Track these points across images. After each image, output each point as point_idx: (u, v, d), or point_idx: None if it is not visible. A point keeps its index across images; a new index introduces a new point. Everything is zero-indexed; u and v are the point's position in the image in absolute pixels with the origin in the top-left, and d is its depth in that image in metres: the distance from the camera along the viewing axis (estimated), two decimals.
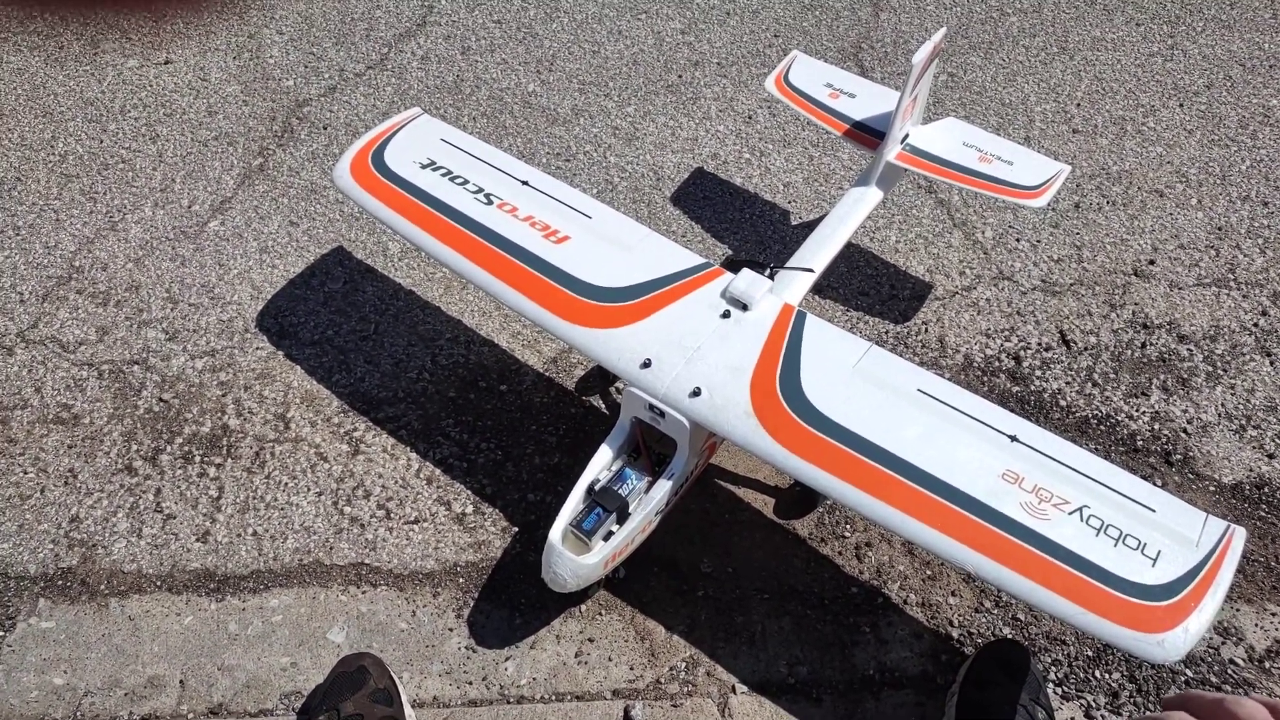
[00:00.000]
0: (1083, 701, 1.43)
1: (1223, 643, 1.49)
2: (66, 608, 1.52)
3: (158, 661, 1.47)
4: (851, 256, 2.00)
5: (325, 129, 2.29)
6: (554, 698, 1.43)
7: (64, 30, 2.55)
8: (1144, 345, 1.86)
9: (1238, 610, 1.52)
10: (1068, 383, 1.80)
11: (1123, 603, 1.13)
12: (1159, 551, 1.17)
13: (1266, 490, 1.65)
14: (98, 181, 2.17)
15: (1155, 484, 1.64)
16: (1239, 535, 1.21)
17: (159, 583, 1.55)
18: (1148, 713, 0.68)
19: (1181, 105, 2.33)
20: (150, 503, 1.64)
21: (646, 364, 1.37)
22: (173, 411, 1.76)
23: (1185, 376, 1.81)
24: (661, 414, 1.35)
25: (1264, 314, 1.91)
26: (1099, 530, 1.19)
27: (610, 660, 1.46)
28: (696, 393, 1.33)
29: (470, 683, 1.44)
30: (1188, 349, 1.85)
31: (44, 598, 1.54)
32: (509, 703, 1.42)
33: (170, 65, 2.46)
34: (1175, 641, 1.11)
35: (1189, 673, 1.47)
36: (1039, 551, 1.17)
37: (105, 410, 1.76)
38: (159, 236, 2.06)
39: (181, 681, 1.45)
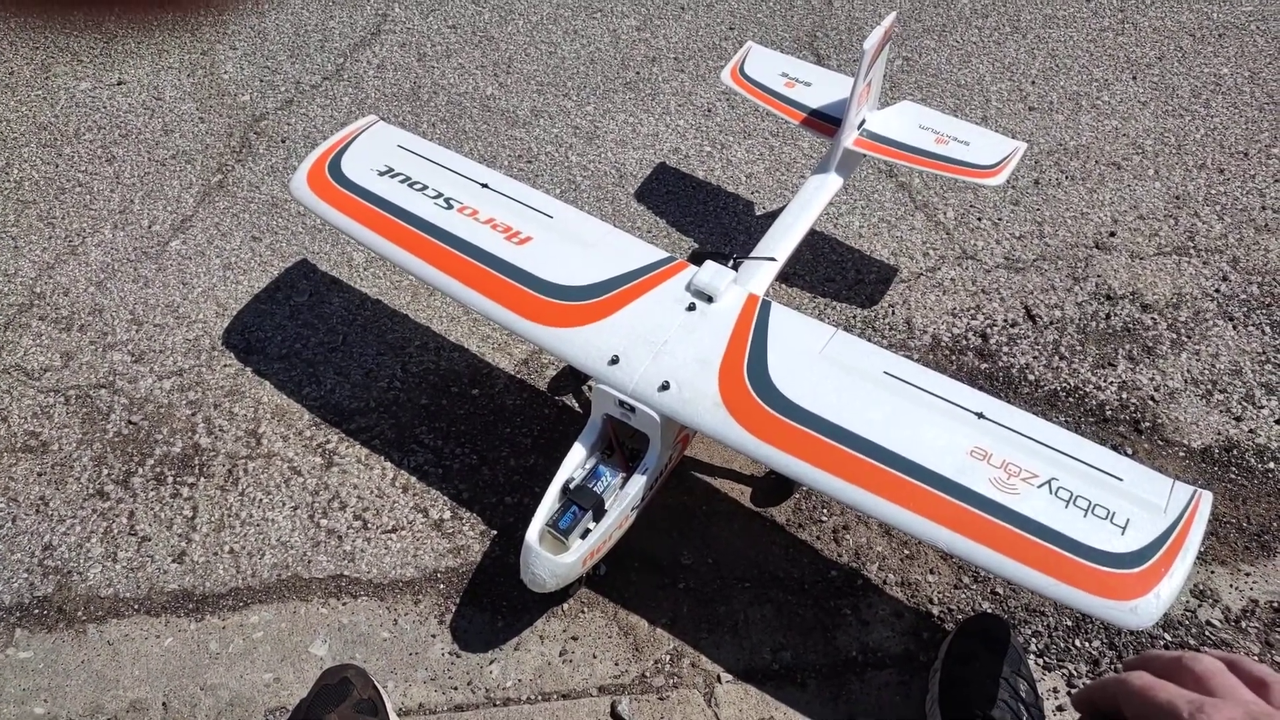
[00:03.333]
0: (1064, 671, 1.45)
1: (1199, 605, 1.51)
2: (44, 636, 1.51)
3: (139, 685, 1.45)
4: (816, 243, 2.01)
5: (284, 142, 2.27)
6: (540, 698, 1.43)
7: (13, 56, 2.52)
8: (1108, 316, 1.88)
9: (1212, 572, 1.54)
10: (1035, 357, 1.82)
11: (1094, 572, 1.15)
12: (1128, 519, 1.19)
13: (1235, 453, 1.68)
14: (55, 206, 2.15)
15: (1125, 453, 1.66)
16: (1206, 499, 1.22)
17: (137, 606, 1.54)
18: (1109, 674, 0.68)
19: (1134, 78, 2.35)
20: (124, 526, 1.63)
21: (614, 360, 1.37)
22: (142, 433, 1.75)
23: (1150, 345, 1.83)
24: (632, 409, 1.35)
25: (1224, 279, 1.93)
26: (1068, 501, 1.20)
27: (595, 657, 1.47)
28: (665, 386, 1.34)
29: (455, 688, 1.44)
30: (1151, 318, 1.87)
31: (20, 628, 1.52)
32: (495, 705, 1.42)
33: (123, 86, 2.43)
34: (1148, 607, 1.12)
35: (1167, 637, 1.49)
36: (1010, 525, 1.19)
37: (74, 436, 1.75)
38: (120, 258, 2.04)
39: (164, 704, 1.44)
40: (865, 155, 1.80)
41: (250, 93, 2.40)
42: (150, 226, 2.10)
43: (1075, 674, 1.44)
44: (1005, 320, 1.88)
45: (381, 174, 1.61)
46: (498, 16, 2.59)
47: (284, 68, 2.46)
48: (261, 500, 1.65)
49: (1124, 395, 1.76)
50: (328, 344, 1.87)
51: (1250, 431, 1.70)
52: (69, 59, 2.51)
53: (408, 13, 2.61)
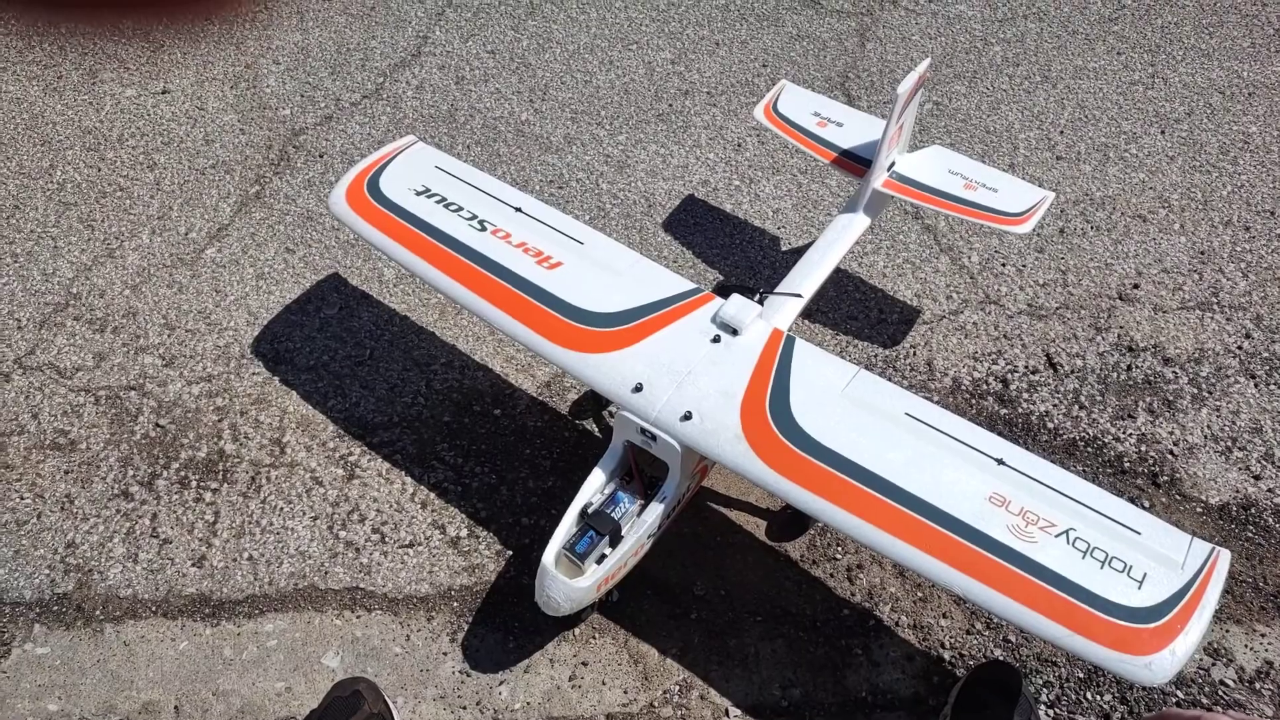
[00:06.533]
0: None
1: (1213, 664, 1.50)
2: (62, 633, 1.53)
3: (152, 687, 1.47)
4: (840, 281, 2.03)
5: (321, 157, 2.32)
6: None
7: (63, 60, 2.58)
8: (1129, 368, 1.88)
9: (1227, 631, 1.53)
10: (1055, 405, 1.82)
11: (1110, 625, 1.15)
12: (1145, 574, 1.19)
13: (1253, 511, 1.67)
14: (95, 209, 2.20)
15: (1142, 505, 1.66)
16: (1224, 558, 1.22)
17: (154, 608, 1.55)
18: None
19: (1163, 132, 2.37)
20: (146, 528, 1.65)
21: (638, 388, 1.39)
22: (169, 437, 1.77)
23: (1171, 399, 1.83)
24: (653, 438, 1.37)
25: (1247, 337, 1.93)
26: (1085, 553, 1.20)
27: (604, 684, 1.47)
28: (687, 416, 1.35)
29: (464, 707, 1.45)
30: (1173, 371, 1.88)
31: (39, 623, 1.54)
32: None
33: (168, 95, 2.49)
34: (1163, 664, 1.12)
35: (1180, 693, 1.48)
36: (1026, 574, 1.19)
37: (102, 436, 1.77)
38: (156, 263, 2.08)
39: (176, 707, 1.45)
40: (894, 197, 1.82)
41: (291, 107, 2.45)
42: (187, 234, 2.14)
43: None
44: (1026, 367, 1.88)
45: (419, 194, 1.64)
46: (536, 44, 2.64)
47: (325, 84, 2.51)
48: (282, 509, 1.67)
49: (1143, 448, 1.76)
50: (355, 357, 1.90)
51: (1269, 491, 1.70)
52: (116, 66, 2.57)
53: (448, 36, 2.66)
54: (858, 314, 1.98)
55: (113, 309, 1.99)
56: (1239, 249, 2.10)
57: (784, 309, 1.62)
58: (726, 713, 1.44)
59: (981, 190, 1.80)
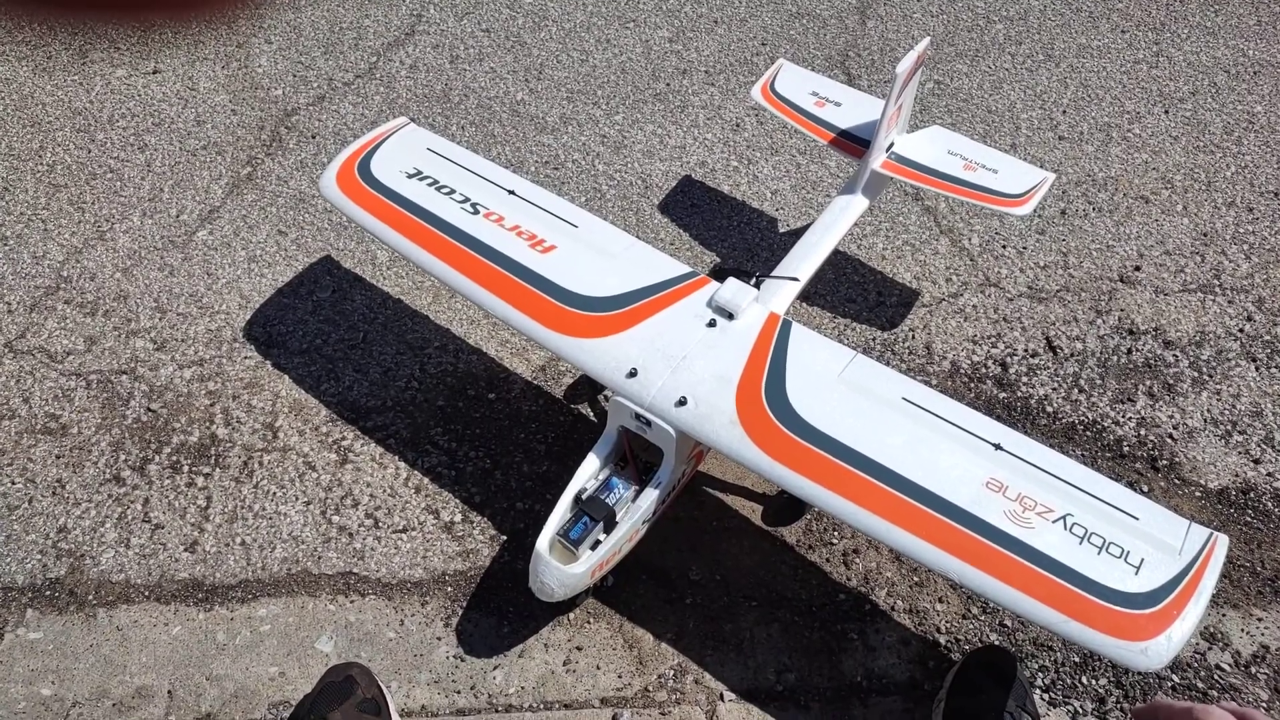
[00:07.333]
0: (1070, 707, 1.44)
1: (1209, 648, 1.50)
2: (54, 618, 1.52)
3: (146, 672, 1.46)
4: (839, 263, 2.01)
5: (314, 138, 2.29)
6: (542, 706, 1.43)
7: (52, 40, 2.55)
8: (1130, 351, 1.87)
9: (1224, 615, 1.53)
10: (1054, 389, 1.81)
11: (1106, 610, 1.14)
12: (1142, 559, 1.18)
13: (1252, 495, 1.66)
14: (86, 191, 2.17)
15: (1141, 490, 1.65)
16: (1221, 543, 1.21)
17: (147, 593, 1.55)
18: None
19: (1167, 112, 2.34)
20: (138, 513, 1.64)
21: (633, 373, 1.37)
22: (161, 421, 1.76)
23: (1171, 382, 1.82)
24: (648, 423, 1.35)
25: (1249, 319, 1.92)
26: (1082, 538, 1.20)
27: (598, 668, 1.47)
28: (682, 402, 1.34)
29: (459, 692, 1.44)
30: (1173, 355, 1.86)
31: (32, 608, 1.53)
32: (497, 711, 1.42)
33: (159, 75, 2.46)
34: (1158, 649, 1.11)
35: (1175, 678, 1.47)
36: (1023, 560, 1.18)
37: (93, 420, 1.76)
38: (147, 246, 2.06)
39: (169, 692, 1.45)
40: (892, 178, 1.79)
41: (283, 87, 2.42)
42: (178, 216, 2.12)
43: (1081, 711, 1.43)
44: (1026, 350, 1.87)
45: (410, 176, 1.62)
46: (531, 22, 2.60)
47: (317, 64, 2.48)
48: (275, 494, 1.66)
49: (1142, 432, 1.75)
50: (348, 341, 1.88)
51: (1269, 475, 1.68)
52: (106, 46, 2.54)
53: (442, 14, 2.62)
54: (856, 297, 1.96)
55: (103, 292, 1.97)
56: (1242, 230, 2.08)
57: (780, 292, 1.60)
58: (721, 697, 1.44)
59: (981, 171, 1.78)
